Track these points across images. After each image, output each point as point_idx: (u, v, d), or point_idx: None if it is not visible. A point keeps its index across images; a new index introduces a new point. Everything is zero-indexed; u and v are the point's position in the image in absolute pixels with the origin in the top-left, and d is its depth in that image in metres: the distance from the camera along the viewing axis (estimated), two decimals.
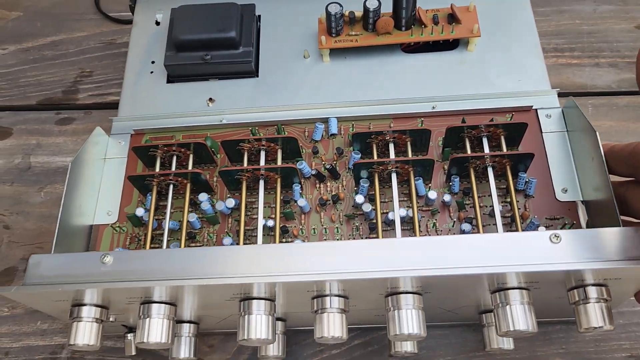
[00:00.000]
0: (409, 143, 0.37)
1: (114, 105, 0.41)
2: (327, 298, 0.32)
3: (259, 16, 0.47)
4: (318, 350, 0.41)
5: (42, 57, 0.56)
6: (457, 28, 0.42)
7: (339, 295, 0.32)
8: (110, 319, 0.37)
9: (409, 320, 0.31)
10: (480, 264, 0.29)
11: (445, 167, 0.38)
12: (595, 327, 0.30)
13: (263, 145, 0.37)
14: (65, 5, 0.59)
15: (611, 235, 0.29)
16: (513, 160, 0.35)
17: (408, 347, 0.36)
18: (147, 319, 0.32)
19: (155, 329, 0.32)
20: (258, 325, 0.31)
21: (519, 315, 0.30)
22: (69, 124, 0.52)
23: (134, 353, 0.40)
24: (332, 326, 0.31)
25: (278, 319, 0.37)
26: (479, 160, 0.35)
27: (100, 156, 0.41)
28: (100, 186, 0.40)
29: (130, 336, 0.40)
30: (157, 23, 0.48)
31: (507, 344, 0.35)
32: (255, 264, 0.30)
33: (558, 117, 0.38)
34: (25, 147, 0.51)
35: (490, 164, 0.35)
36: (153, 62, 0.46)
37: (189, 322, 0.38)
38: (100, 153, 0.41)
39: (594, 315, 0.30)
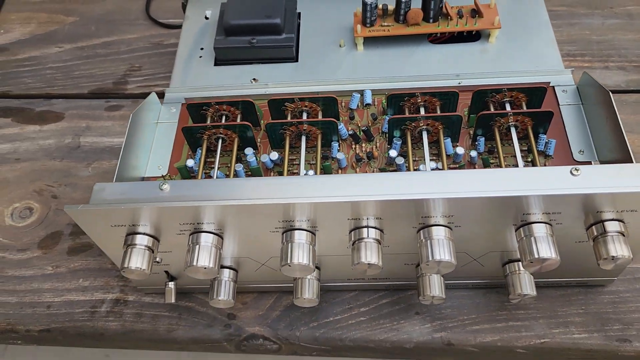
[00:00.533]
0: (438, 107, 0.41)
1: (161, 95, 0.45)
2: (364, 229, 0.34)
3: (299, 13, 0.52)
4: (347, 308, 0.43)
5: (95, 54, 0.61)
6: (479, 21, 0.47)
7: (375, 227, 0.34)
8: (157, 259, 0.40)
9: (440, 247, 0.33)
10: (505, 189, 0.32)
11: (471, 132, 0.41)
12: (614, 257, 0.32)
13: (306, 107, 0.41)
14: (118, 13, 0.65)
15: (627, 170, 0.32)
16: (534, 120, 0.38)
17: (436, 290, 0.38)
18: (197, 246, 0.35)
19: (203, 255, 0.35)
20: (300, 251, 0.34)
21: (543, 244, 0.33)
22: (117, 111, 0.57)
23: (173, 301, 0.42)
24: (369, 253, 0.34)
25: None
26: (502, 119, 0.38)
27: (154, 120, 0.45)
28: (152, 145, 0.43)
29: (171, 284, 0.42)
30: (206, 18, 0.53)
31: (530, 289, 0.37)
32: (299, 191, 0.33)
33: (573, 92, 0.42)
34: (76, 129, 0.56)
35: (513, 122, 0.39)
36: (202, 49, 0.50)
37: (230, 268, 0.40)
38: (153, 117, 0.45)
39: (612, 245, 0.32)
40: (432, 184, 0.33)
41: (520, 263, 0.38)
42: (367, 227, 0.34)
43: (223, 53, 0.49)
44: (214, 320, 0.43)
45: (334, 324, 0.42)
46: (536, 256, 0.32)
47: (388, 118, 0.39)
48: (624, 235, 0.33)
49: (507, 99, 0.40)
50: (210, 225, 0.35)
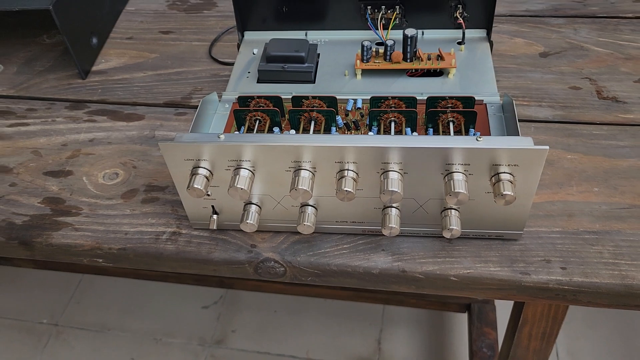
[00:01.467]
0: (403, 107, 0.61)
1: (219, 97, 0.67)
2: (346, 171, 0.53)
3: (319, 54, 0.74)
4: (334, 245, 0.61)
5: (170, 79, 0.84)
6: (442, 62, 0.68)
7: (353, 171, 0.54)
8: (209, 193, 0.59)
9: (392, 183, 0.52)
10: (436, 144, 0.51)
11: (424, 125, 0.61)
12: (503, 194, 0.50)
13: (316, 102, 0.62)
14: (188, 53, 0.89)
15: (513, 139, 0.51)
16: (465, 117, 0.58)
17: (393, 222, 0.56)
18: (237, 175, 0.54)
19: (241, 180, 0.54)
20: (303, 181, 0.53)
21: (458, 183, 0.51)
22: (183, 115, 0.78)
23: (215, 227, 0.61)
24: (347, 183, 0.53)
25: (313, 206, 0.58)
26: (444, 115, 0.58)
27: (212, 111, 0.66)
28: (210, 128, 0.64)
29: (214, 216, 0.61)
30: (253, 53, 0.75)
31: (456, 225, 0.55)
32: (306, 140, 0.53)
33: (498, 107, 0.62)
34: (153, 126, 0.77)
35: (451, 118, 0.58)
36: (249, 72, 0.73)
37: (256, 205, 0.59)
38: (212, 109, 0.66)
39: (502, 186, 0.51)
40: (393, 140, 0.52)
41: (451, 210, 0.56)
42: (348, 169, 0.54)
43: (264, 74, 0.70)
44: (241, 247, 0.62)
45: (324, 254, 0.60)
46: (453, 190, 0.51)
47: (370, 110, 0.60)
48: (511, 182, 0.51)
49: (449, 105, 0.60)
50: (247, 163, 0.55)
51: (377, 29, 0.73)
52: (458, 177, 0.52)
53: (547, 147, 0.50)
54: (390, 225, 0.56)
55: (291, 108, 0.61)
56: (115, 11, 0.96)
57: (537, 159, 0.50)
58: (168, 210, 0.66)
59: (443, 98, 0.60)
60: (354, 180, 0.54)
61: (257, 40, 0.77)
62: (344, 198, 0.53)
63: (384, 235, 0.61)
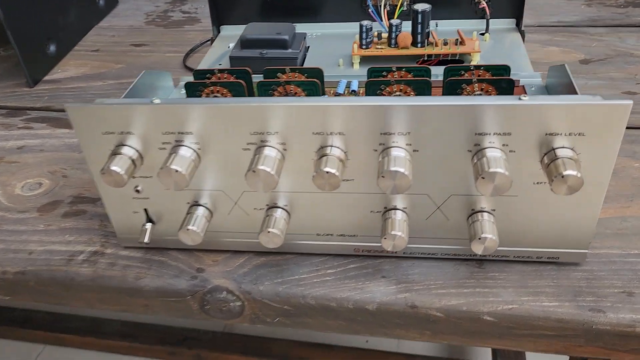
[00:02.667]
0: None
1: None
2: (329, 148, 0.37)
3: (308, 47, 0.60)
4: (314, 269, 0.43)
5: None
6: (462, 47, 0.53)
7: (338, 147, 0.37)
8: (138, 188, 0.42)
9: (397, 161, 0.35)
10: (458, 102, 0.34)
11: None
12: (564, 175, 0.33)
13: (296, 77, 0.46)
14: (159, 63, 0.75)
15: (572, 97, 0.35)
16: (498, 88, 0.42)
17: (398, 228, 0.38)
18: (174, 154, 0.38)
19: (178, 160, 0.37)
20: (267, 160, 0.36)
21: (494, 162, 0.34)
22: None
23: (146, 241, 0.43)
24: (330, 163, 0.36)
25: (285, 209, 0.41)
26: (469, 86, 0.42)
27: (162, 94, 0.50)
28: None
29: (148, 225, 0.44)
30: (229, 47, 0.61)
31: (491, 232, 0.37)
32: (272, 100, 0.37)
33: (540, 88, 0.46)
34: None
35: (478, 91, 0.42)
36: (220, 64, 0.58)
37: (205, 207, 0.42)
38: (163, 93, 0.50)
39: (562, 166, 0.33)
40: (397, 99, 0.36)
41: (482, 213, 0.39)
42: (331, 146, 0.37)
43: (237, 62, 0.56)
44: (182, 272, 0.44)
45: (298, 281, 0.42)
46: (487, 169, 0.34)
47: (365, 81, 0.44)
48: (574, 161, 0.34)
49: (476, 77, 0.44)
50: (190, 138, 0.38)
51: (381, 19, 0.59)
52: (493, 154, 0.35)
53: (631, 102, 0.33)
54: (393, 233, 0.38)
55: (260, 80, 0.45)
56: (85, 25, 0.85)
57: (614, 123, 0.34)
58: (95, 226, 0.49)
59: (467, 68, 0.44)
60: (341, 160, 0.37)
61: (236, 36, 0.63)
62: (324, 185, 0.36)
63: (384, 254, 0.43)
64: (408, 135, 0.36)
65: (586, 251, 0.40)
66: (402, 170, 0.34)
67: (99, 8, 0.88)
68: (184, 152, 0.38)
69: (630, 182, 0.48)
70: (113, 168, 0.38)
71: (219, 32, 0.65)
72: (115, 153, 0.39)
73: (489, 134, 0.35)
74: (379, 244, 0.42)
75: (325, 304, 0.41)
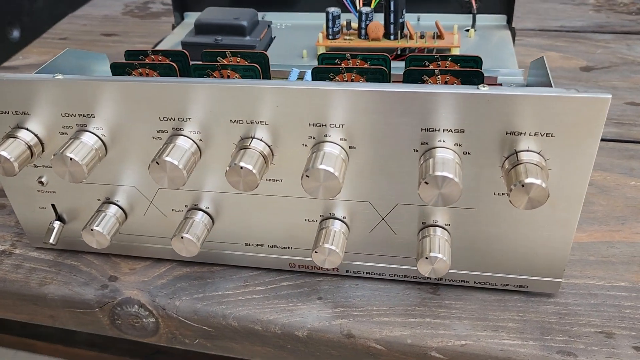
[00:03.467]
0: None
1: None
2: (249, 139, 0.31)
3: (274, 37, 0.54)
4: (241, 285, 0.37)
5: None
6: (439, 41, 0.47)
7: (261, 140, 0.31)
8: (42, 179, 0.36)
9: (327, 159, 0.29)
10: (400, 89, 0.28)
11: None
12: (524, 183, 0.27)
13: (238, 62, 0.40)
14: None
15: (538, 90, 0.28)
16: (463, 80, 0.35)
17: (332, 242, 0.32)
18: (73, 139, 0.32)
19: (74, 146, 0.32)
20: (175, 151, 0.30)
21: (443, 164, 0.28)
22: None
23: (52, 241, 0.37)
24: (247, 158, 0.30)
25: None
26: (430, 78, 0.36)
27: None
28: None
29: (56, 223, 0.38)
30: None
31: (442, 253, 0.31)
32: (189, 81, 0.31)
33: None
34: None
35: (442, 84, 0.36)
36: None
37: (119, 207, 0.36)
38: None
39: (524, 171, 0.27)
40: (334, 84, 0.30)
41: (434, 228, 0.32)
42: (252, 137, 0.31)
43: (189, 48, 0.50)
44: (93, 280, 0.38)
45: (221, 298, 0.36)
46: (431, 173, 0.27)
47: (312, 69, 0.38)
48: (540, 167, 0.28)
49: (439, 70, 0.38)
50: (94, 123, 0.33)
51: (356, 9, 0.53)
52: (444, 155, 0.29)
53: (610, 96, 0.26)
54: (326, 247, 0.32)
55: (194, 63, 0.39)
56: (57, 12, 0.80)
57: (589, 121, 0.27)
58: (11, 222, 0.43)
59: (431, 58, 0.38)
60: (263, 156, 0.31)
61: None
62: (238, 183, 0.30)
63: (324, 271, 0.36)
64: (342, 128, 0.30)
65: (560, 280, 0.33)
66: (330, 169, 0.28)
67: None
68: (86, 138, 0.33)
69: (623, 202, 0.41)
70: (2, 153, 0.32)
71: (182, 19, 0.60)
72: (8, 136, 0.33)
73: (438, 131, 0.29)
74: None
75: (249, 326, 0.35)
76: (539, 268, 0.33)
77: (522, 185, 0.27)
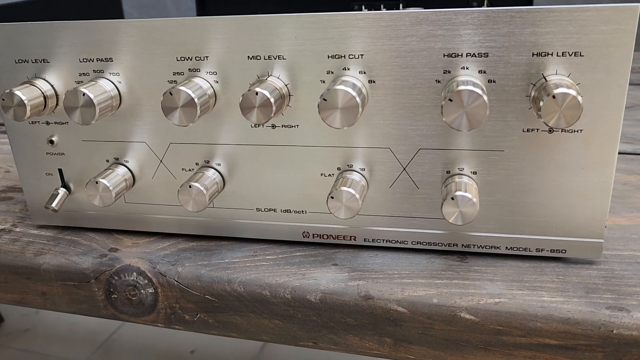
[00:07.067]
0: None
1: None
2: (265, 77, 0.30)
3: None
4: (251, 255, 0.34)
5: None
6: None
7: (277, 77, 0.30)
8: (53, 138, 0.36)
9: (343, 84, 0.28)
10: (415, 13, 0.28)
11: None
12: (555, 95, 0.25)
13: None
14: None
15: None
16: None
17: (350, 186, 0.29)
18: (92, 81, 0.32)
19: (96, 89, 0.31)
20: (188, 85, 0.30)
21: (466, 85, 0.26)
22: None
23: (54, 206, 0.36)
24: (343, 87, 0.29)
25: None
26: None
27: None
28: None
29: (61, 190, 0.36)
30: None
31: (468, 192, 0.28)
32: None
33: None
34: None
35: None
36: None
37: (128, 168, 0.35)
38: None
39: (554, 84, 0.26)
40: (346, 13, 0.29)
41: (460, 176, 0.30)
42: (269, 74, 0.30)
43: None
44: (92, 250, 0.35)
45: (227, 265, 0.33)
46: (457, 88, 0.26)
47: None
48: (568, 86, 0.26)
49: None
50: (112, 69, 0.32)
51: None
52: (468, 78, 0.27)
53: (639, 5, 0.26)
54: (343, 189, 0.29)
55: None
56: None
57: (619, 34, 0.26)
58: (15, 209, 0.42)
59: None
60: (278, 91, 0.30)
61: None
62: (251, 116, 0.29)
63: (340, 240, 0.34)
64: (361, 58, 0.29)
65: (601, 241, 0.30)
66: (347, 89, 0.27)
67: None
68: (103, 82, 0.32)
69: None
70: (15, 92, 0.32)
71: None
72: (27, 82, 0.33)
73: (461, 56, 0.28)
74: (334, 225, 0.33)
75: (257, 292, 0.31)
76: (576, 226, 0.30)
77: (553, 97, 0.25)
